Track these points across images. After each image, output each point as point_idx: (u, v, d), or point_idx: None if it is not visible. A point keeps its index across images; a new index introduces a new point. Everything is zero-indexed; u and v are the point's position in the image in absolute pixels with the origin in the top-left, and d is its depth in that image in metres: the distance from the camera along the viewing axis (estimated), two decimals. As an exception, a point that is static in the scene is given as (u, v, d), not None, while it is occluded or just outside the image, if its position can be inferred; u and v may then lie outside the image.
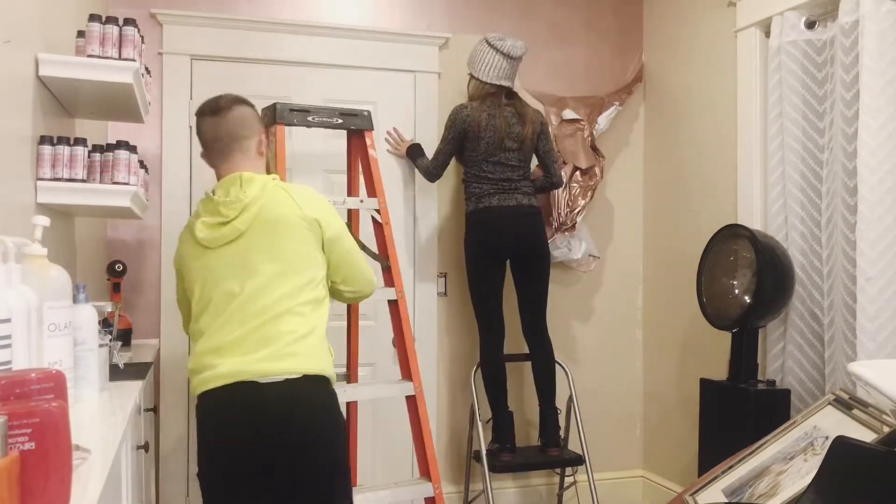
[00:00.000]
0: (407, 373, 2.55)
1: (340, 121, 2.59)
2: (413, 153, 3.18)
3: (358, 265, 1.98)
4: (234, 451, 1.72)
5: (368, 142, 2.63)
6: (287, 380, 1.72)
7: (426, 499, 2.49)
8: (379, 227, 2.64)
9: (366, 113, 2.65)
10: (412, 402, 2.51)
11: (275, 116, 2.45)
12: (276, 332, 1.74)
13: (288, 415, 1.72)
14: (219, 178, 1.88)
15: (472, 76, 3.04)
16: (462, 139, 3.01)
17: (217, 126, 1.85)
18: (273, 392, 1.71)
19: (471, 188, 3.03)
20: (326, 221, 1.87)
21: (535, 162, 3.16)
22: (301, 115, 2.46)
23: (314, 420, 1.76)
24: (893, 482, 1.52)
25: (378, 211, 2.62)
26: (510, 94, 3.04)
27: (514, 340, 3.26)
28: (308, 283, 1.81)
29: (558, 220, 3.35)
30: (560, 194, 3.34)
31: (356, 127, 2.62)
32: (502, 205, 2.96)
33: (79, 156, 1.83)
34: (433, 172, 3.10)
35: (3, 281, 1.09)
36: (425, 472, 2.47)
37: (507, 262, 3.08)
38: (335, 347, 2.00)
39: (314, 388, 1.77)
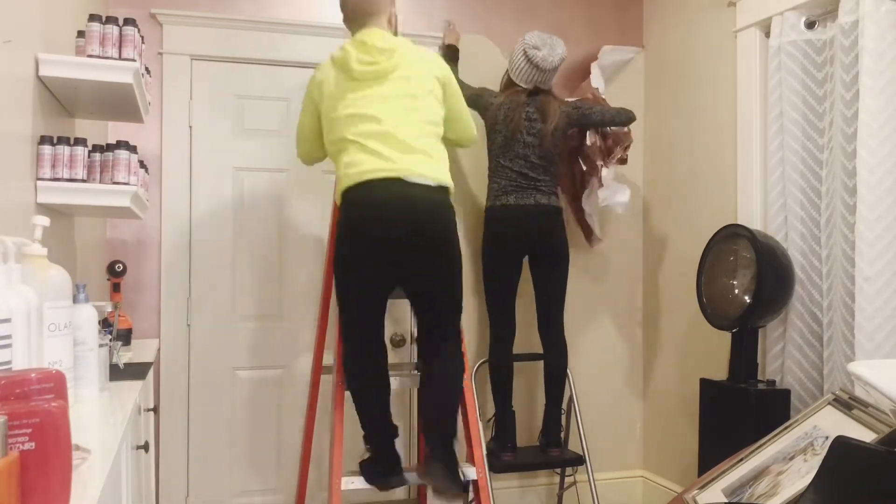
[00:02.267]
0: (471, 458, 2.57)
1: None
2: (450, 54, 3.22)
3: (464, 116, 2.48)
4: (383, 235, 2.17)
5: None
6: (429, 186, 2.21)
7: (471, 481, 2.56)
8: None
9: None
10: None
11: None
12: (419, 147, 2.23)
13: (432, 214, 2.20)
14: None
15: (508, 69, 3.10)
16: (481, 114, 3.08)
17: (355, 2, 2.35)
18: (419, 191, 2.19)
19: (491, 183, 3.04)
20: (448, 80, 2.38)
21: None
22: None
23: (450, 225, 2.27)
24: (893, 482, 1.52)
25: None
26: (536, 90, 3.05)
27: (525, 340, 3.25)
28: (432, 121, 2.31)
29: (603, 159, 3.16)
30: (596, 142, 3.15)
31: None
32: (519, 203, 2.95)
33: (79, 156, 1.83)
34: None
35: (3, 281, 1.09)
36: (470, 458, 2.55)
37: (524, 261, 3.07)
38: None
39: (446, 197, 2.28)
